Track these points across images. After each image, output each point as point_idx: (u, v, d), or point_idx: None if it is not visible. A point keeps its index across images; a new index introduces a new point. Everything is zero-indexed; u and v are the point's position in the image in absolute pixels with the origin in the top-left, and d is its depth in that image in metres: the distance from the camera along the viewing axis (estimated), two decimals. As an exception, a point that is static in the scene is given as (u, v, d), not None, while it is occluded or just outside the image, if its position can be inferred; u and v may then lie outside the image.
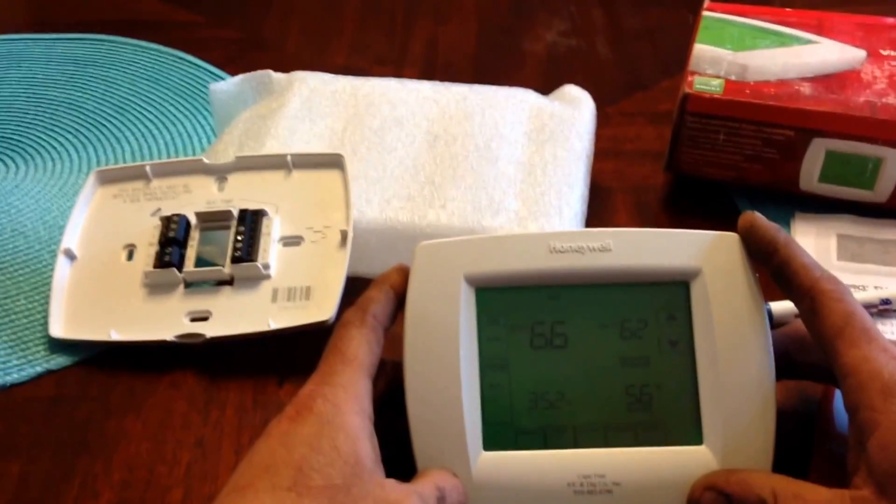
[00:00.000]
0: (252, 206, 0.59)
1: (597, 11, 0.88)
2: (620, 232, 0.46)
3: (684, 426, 0.44)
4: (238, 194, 0.60)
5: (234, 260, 0.56)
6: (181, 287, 0.57)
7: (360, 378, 0.42)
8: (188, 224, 0.59)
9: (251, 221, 0.58)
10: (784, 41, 0.64)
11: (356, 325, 0.44)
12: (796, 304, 0.44)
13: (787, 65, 0.62)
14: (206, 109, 0.76)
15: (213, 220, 0.59)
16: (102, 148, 0.72)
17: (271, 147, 0.63)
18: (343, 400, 0.40)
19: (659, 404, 0.45)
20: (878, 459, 0.38)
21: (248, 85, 0.69)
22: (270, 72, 0.69)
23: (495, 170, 0.61)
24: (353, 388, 0.41)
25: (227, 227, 0.58)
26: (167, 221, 0.58)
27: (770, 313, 0.54)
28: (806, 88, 0.61)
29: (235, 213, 0.58)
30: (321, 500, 0.37)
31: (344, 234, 0.57)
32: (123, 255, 0.59)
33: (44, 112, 0.76)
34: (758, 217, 0.45)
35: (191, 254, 0.58)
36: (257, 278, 0.57)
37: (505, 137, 0.64)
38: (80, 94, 0.78)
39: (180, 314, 0.56)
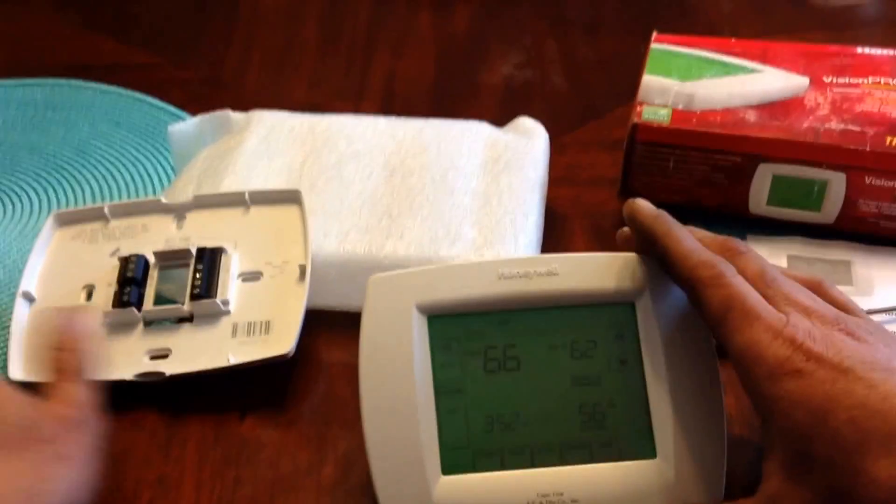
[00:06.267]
0: (210, 244, 0.59)
1: (551, 43, 0.90)
2: (566, 257, 0.47)
3: (637, 441, 0.45)
4: (196, 232, 0.61)
5: (194, 297, 0.57)
6: (140, 326, 0.57)
7: None
8: (146, 263, 0.59)
9: (210, 259, 0.58)
10: (729, 70, 0.66)
11: None
12: (686, 294, 0.44)
13: (732, 93, 0.64)
14: (167, 150, 0.76)
15: (171, 259, 0.59)
16: (63, 190, 0.73)
17: (229, 185, 0.63)
18: None
19: (612, 421, 0.46)
20: (782, 446, 0.38)
21: (207, 125, 0.70)
22: (229, 111, 0.70)
23: (451, 200, 0.62)
24: None
25: (186, 265, 0.58)
26: (125, 261, 0.58)
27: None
28: (751, 116, 0.62)
29: (194, 251, 0.59)
30: None
31: (302, 269, 0.57)
32: (82, 295, 0.59)
33: (3, 156, 0.76)
34: (639, 206, 0.45)
35: (150, 292, 0.58)
36: (217, 314, 0.57)
37: (460, 169, 0.65)
38: (40, 138, 0.78)
39: (140, 353, 0.56)
